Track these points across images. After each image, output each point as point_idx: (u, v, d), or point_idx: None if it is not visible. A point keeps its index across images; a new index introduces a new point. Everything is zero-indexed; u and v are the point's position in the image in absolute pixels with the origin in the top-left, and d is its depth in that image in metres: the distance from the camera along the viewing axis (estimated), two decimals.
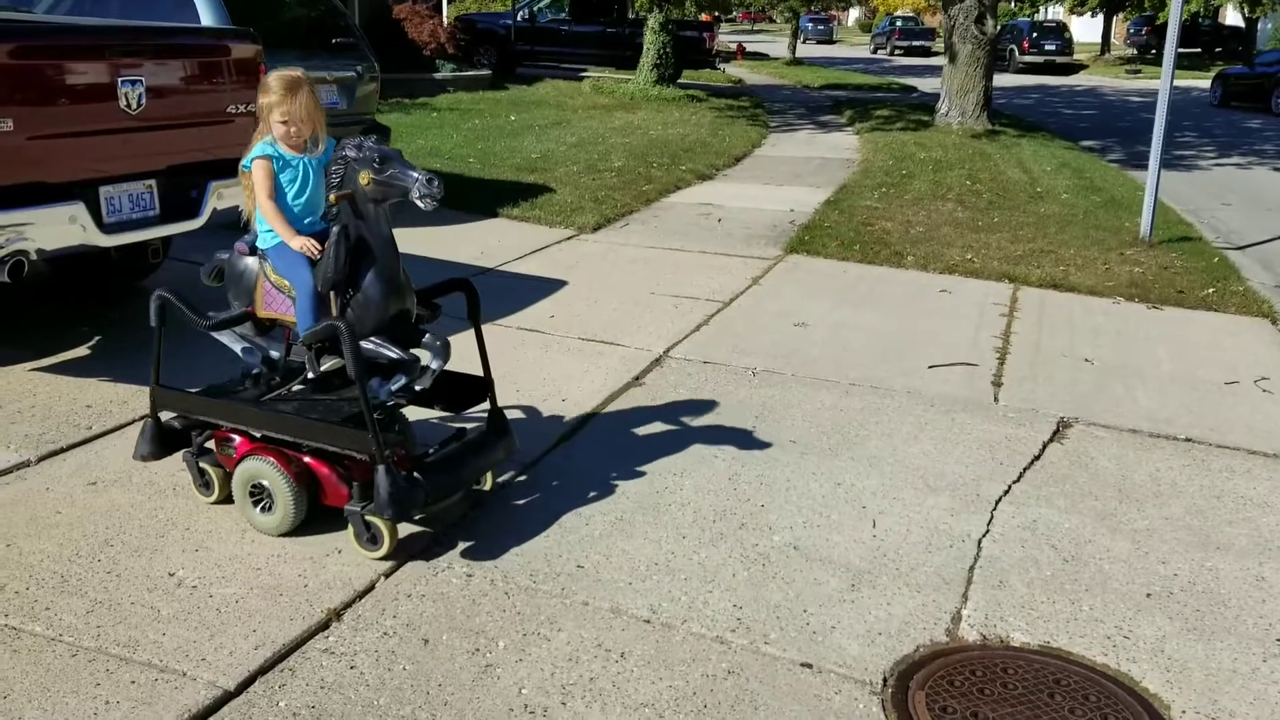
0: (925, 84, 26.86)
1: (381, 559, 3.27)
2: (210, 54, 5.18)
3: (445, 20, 22.98)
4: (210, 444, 3.59)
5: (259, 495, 3.41)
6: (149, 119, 4.69)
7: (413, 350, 3.41)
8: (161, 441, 3.63)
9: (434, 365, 3.41)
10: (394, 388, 3.37)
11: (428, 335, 3.46)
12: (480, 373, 3.73)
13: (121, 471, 3.78)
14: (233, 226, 3.99)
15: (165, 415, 3.64)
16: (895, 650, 2.99)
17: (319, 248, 3.31)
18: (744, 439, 4.40)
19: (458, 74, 19.91)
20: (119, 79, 4.55)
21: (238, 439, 3.51)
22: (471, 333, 3.69)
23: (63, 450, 3.96)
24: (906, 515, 3.80)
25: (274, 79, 3.37)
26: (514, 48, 23.47)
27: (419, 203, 3.20)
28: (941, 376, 5.28)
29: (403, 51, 19.06)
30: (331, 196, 3.29)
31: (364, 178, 3.22)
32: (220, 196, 5.00)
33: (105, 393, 4.48)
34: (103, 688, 2.63)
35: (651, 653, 2.91)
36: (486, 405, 3.76)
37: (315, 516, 3.42)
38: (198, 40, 5.53)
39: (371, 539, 3.28)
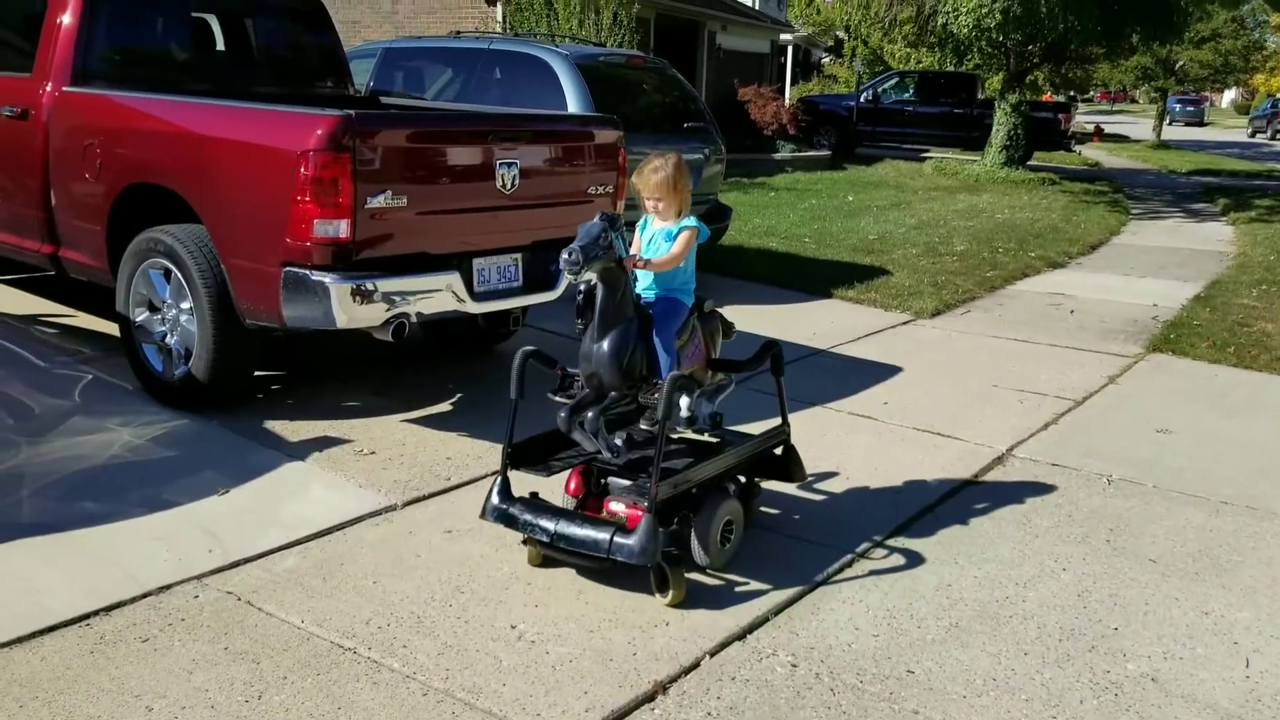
0: None
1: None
2: (578, 139, 5.54)
3: (788, 101, 23.50)
4: None
5: None
6: (520, 198, 5.05)
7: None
8: None
9: (586, 444, 3.64)
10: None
11: (590, 415, 3.59)
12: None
13: (474, 522, 4.02)
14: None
15: None
16: None
17: None
18: (1096, 553, 4.05)
19: (796, 154, 20.25)
20: (497, 161, 4.95)
21: None
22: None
23: (425, 498, 4.30)
24: None
25: (646, 161, 3.74)
26: (855, 128, 23.59)
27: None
28: None
29: (744, 131, 19.67)
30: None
31: None
32: None
33: (463, 446, 4.83)
34: None
35: None
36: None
37: (644, 586, 3.51)
38: (568, 126, 5.95)
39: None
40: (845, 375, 6.30)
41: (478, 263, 4.96)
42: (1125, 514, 4.45)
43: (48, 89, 5.48)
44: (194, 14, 6.29)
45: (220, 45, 6.52)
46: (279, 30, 6.82)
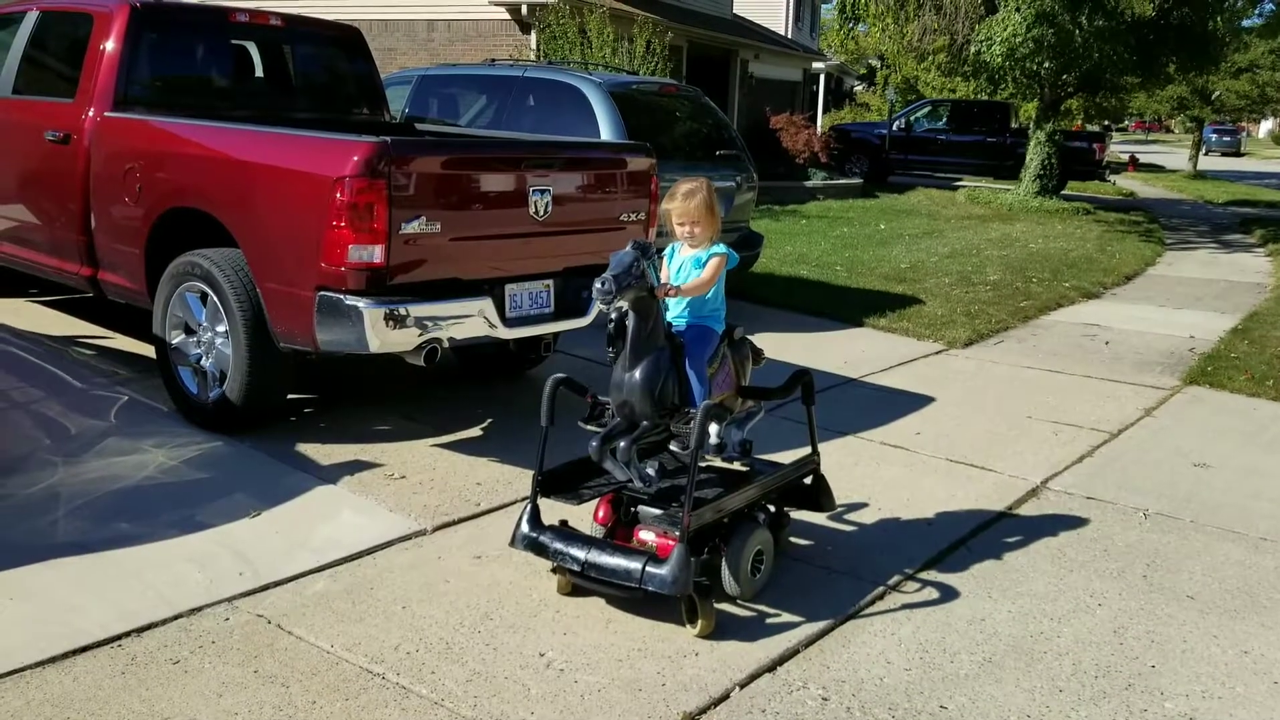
0: None
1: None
2: (611, 166, 5.56)
3: (820, 130, 23.54)
4: None
5: None
6: (552, 225, 5.07)
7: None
8: None
9: (618, 473, 3.63)
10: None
11: (622, 445, 3.58)
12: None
13: (503, 548, 4.02)
14: None
15: None
16: None
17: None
18: (1132, 588, 3.99)
19: (828, 182, 20.25)
20: (530, 188, 4.97)
21: None
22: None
23: (454, 523, 4.29)
24: None
25: (677, 186, 3.73)
26: (887, 156, 23.57)
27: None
28: None
29: (775, 159, 19.70)
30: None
31: None
32: None
33: (494, 471, 4.83)
34: None
35: None
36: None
37: (673, 616, 3.49)
38: (602, 154, 5.97)
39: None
40: (877, 405, 6.26)
41: (510, 288, 4.97)
42: (1162, 549, 4.38)
43: (90, 114, 5.58)
44: (234, 41, 6.39)
45: (259, 72, 6.61)
46: (317, 58, 6.91)
